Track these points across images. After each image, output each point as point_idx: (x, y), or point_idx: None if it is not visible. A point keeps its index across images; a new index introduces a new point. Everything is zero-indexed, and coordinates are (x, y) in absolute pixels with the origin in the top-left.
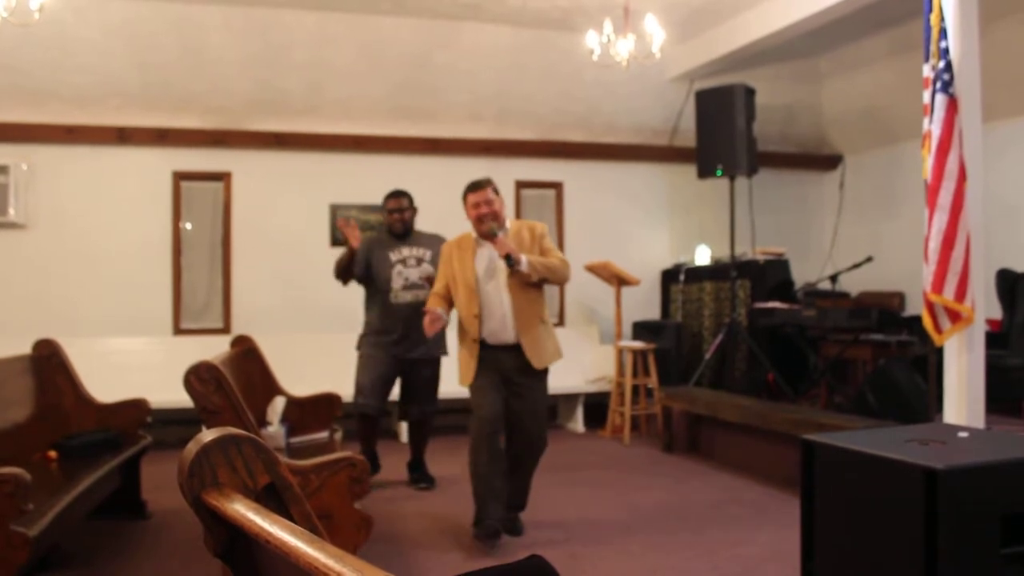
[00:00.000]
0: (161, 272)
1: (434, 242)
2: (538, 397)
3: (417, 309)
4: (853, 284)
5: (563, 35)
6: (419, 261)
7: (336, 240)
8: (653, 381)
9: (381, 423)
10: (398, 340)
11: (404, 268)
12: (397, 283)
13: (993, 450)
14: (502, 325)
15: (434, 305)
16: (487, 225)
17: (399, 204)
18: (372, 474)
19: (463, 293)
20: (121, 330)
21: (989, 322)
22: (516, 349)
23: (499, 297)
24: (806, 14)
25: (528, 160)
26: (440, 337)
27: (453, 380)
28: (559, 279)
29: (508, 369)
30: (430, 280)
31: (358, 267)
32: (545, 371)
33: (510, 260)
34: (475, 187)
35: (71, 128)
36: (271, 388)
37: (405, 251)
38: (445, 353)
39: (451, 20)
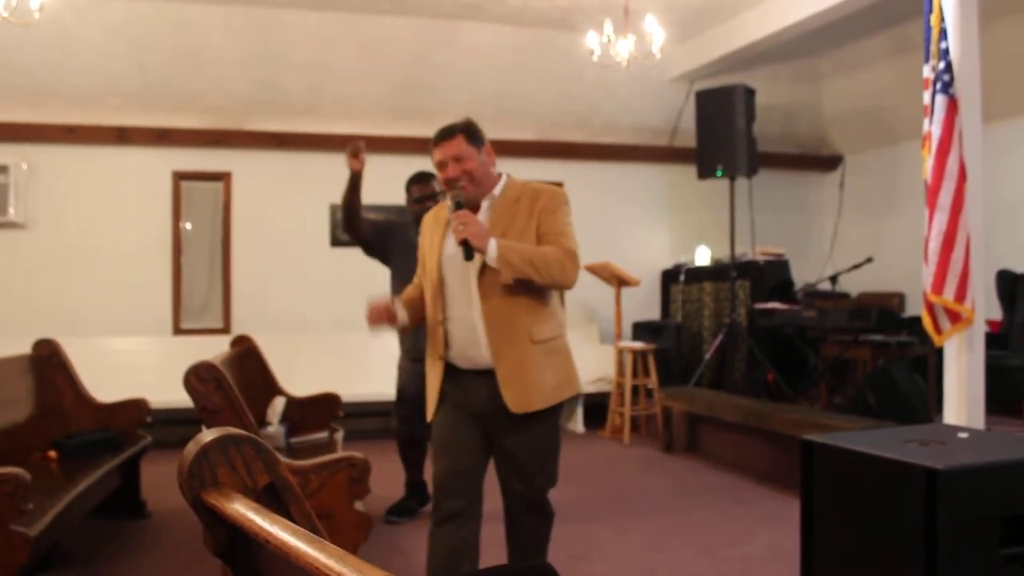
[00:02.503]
0: (161, 272)
1: None
2: (533, 453)
3: None
4: (853, 285)
5: (563, 35)
6: None
7: (336, 240)
8: (653, 381)
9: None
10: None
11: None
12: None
13: (993, 451)
14: (471, 340)
15: (400, 299)
16: (455, 193)
17: (428, 190)
18: (419, 507)
19: (428, 287)
20: (121, 330)
21: (989, 323)
22: (491, 378)
23: (468, 298)
24: (806, 14)
25: (528, 160)
26: None
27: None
28: (551, 281)
29: (479, 408)
30: None
31: (365, 224)
32: (545, 413)
33: (468, 249)
34: (441, 137)
35: (71, 128)
36: (271, 388)
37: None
38: None
39: (451, 20)
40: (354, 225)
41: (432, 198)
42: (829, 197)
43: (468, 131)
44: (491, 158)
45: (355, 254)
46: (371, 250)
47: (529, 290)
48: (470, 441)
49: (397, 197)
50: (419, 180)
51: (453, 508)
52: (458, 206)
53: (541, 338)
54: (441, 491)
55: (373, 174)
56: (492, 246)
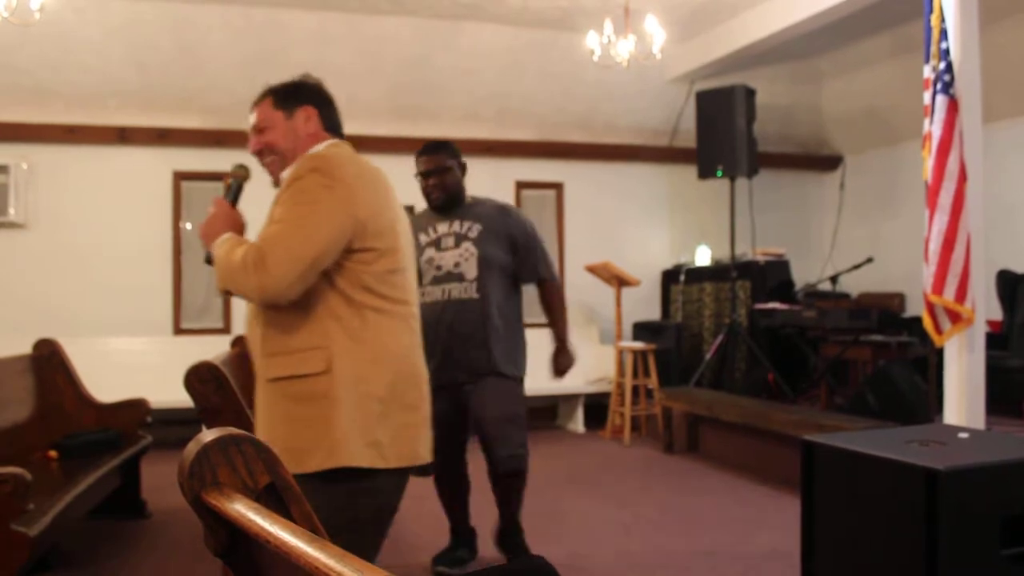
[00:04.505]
0: (161, 272)
1: (493, 214)
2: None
3: (456, 312)
4: (853, 285)
5: (563, 35)
6: (460, 239)
7: None
8: (653, 382)
9: (460, 482)
10: (441, 363)
11: (436, 252)
12: (426, 277)
13: (993, 451)
14: None
15: None
16: (232, 171)
17: (435, 163)
18: (463, 558)
19: None
20: (121, 330)
21: (989, 323)
22: None
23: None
24: (806, 15)
25: (528, 160)
26: (511, 348)
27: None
28: (240, 294)
29: None
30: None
31: None
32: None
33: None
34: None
35: (71, 128)
36: None
37: (442, 228)
38: (519, 372)
39: (451, 20)
40: None
41: (439, 173)
42: (829, 197)
43: (278, 92)
44: (309, 124)
45: None
46: None
47: (294, 308)
48: None
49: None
50: (425, 152)
51: None
52: (228, 190)
53: (275, 375)
54: None
55: None
56: (218, 243)
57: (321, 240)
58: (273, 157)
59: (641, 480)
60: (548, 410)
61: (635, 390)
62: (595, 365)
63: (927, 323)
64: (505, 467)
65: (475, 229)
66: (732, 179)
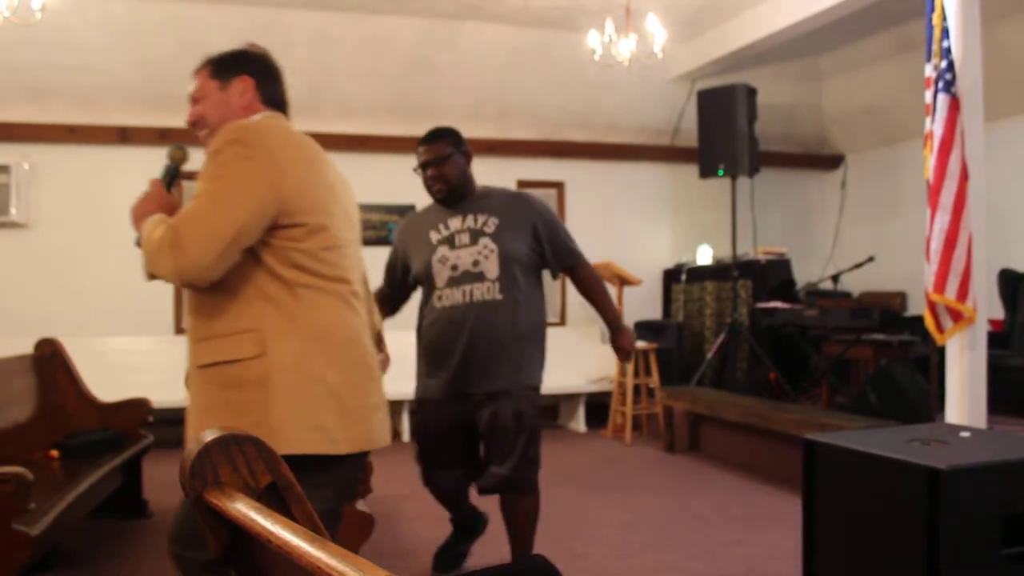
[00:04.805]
0: None
1: (509, 204)
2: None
3: (479, 316)
4: (855, 284)
5: (564, 35)
6: (476, 235)
7: None
8: (655, 381)
9: (459, 493)
10: (456, 371)
11: (451, 251)
12: (441, 278)
13: (995, 450)
14: None
15: None
16: (170, 152)
17: (433, 152)
18: (465, 537)
19: None
20: (123, 329)
21: (991, 322)
22: None
23: None
24: (807, 14)
25: (529, 160)
26: (534, 352)
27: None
28: (158, 271)
29: None
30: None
31: (393, 278)
32: None
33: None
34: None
35: (73, 128)
36: None
37: (455, 224)
38: (535, 383)
39: (452, 19)
40: (394, 307)
41: (438, 163)
42: (831, 196)
43: (216, 61)
44: (244, 96)
45: None
46: (414, 288)
47: (224, 289)
48: None
49: (397, 196)
50: (424, 142)
51: None
52: (166, 172)
53: (205, 361)
54: None
55: (374, 173)
56: (146, 222)
57: (240, 216)
58: (206, 130)
59: (642, 479)
60: (549, 409)
61: (636, 389)
62: (597, 364)
63: (929, 322)
64: (497, 486)
65: (492, 223)
66: (733, 178)
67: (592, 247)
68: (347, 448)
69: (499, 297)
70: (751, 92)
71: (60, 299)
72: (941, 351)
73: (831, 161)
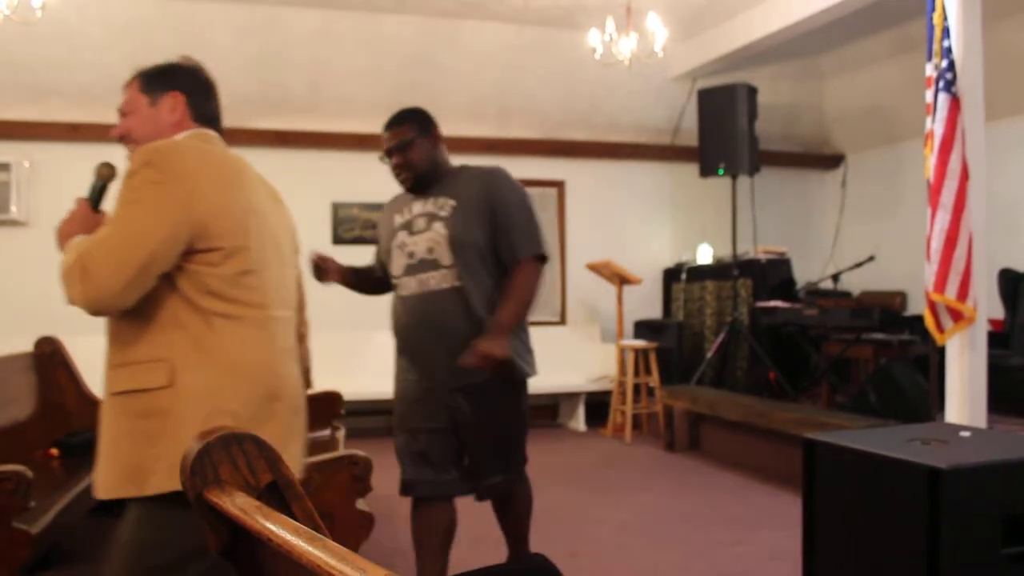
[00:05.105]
0: None
1: (472, 185)
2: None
3: (434, 306)
4: (855, 283)
5: (565, 33)
6: (431, 220)
7: (338, 238)
8: (655, 380)
9: (444, 511)
10: (424, 366)
11: (409, 237)
12: (398, 265)
13: (995, 450)
14: None
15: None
16: (97, 168)
17: (396, 137)
18: None
19: None
20: None
21: (991, 322)
22: None
23: None
24: (808, 13)
25: (530, 159)
26: (517, 345)
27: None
28: (69, 298)
29: None
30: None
31: (380, 262)
32: (136, 502)
33: None
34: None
35: (73, 126)
36: None
37: (417, 207)
38: (524, 373)
39: (453, 18)
40: (379, 288)
41: (401, 150)
42: (831, 196)
43: (147, 74)
44: (174, 113)
45: (357, 252)
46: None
47: (153, 303)
48: None
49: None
50: (386, 128)
51: None
52: (93, 190)
53: (116, 389)
54: None
55: (375, 172)
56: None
57: (150, 243)
58: (132, 144)
59: (642, 478)
60: (549, 408)
61: (636, 388)
62: (596, 363)
63: (929, 321)
64: (489, 491)
65: (448, 206)
66: (734, 177)
67: (592, 246)
68: None
69: (455, 284)
70: (751, 91)
71: (60, 297)
72: (941, 351)
73: (831, 160)
